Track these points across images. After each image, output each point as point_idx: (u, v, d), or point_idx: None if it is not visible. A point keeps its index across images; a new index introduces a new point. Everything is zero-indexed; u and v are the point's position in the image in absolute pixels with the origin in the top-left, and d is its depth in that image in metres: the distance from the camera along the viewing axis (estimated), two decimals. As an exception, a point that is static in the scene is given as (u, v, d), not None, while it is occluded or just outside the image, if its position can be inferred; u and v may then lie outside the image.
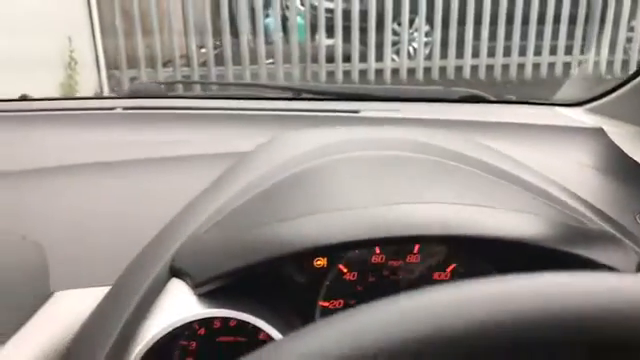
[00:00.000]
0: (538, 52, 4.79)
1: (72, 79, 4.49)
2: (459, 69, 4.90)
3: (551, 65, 4.85)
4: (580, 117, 0.99)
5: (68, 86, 4.39)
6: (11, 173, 0.69)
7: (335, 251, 0.56)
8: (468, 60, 4.86)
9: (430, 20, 4.86)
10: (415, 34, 5.05)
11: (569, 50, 4.82)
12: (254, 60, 4.87)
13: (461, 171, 0.67)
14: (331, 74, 4.89)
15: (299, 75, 4.92)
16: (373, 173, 0.66)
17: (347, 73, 4.88)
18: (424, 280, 0.60)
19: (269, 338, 0.60)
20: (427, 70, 4.93)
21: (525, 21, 4.72)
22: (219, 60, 4.94)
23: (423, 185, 0.63)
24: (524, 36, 4.75)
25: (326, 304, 0.60)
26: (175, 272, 0.54)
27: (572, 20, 4.71)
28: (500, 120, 0.96)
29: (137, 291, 0.52)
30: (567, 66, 4.84)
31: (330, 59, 4.87)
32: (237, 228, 0.56)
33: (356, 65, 4.89)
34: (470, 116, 0.98)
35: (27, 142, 0.83)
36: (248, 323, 0.59)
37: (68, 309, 0.52)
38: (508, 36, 4.78)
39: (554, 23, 4.71)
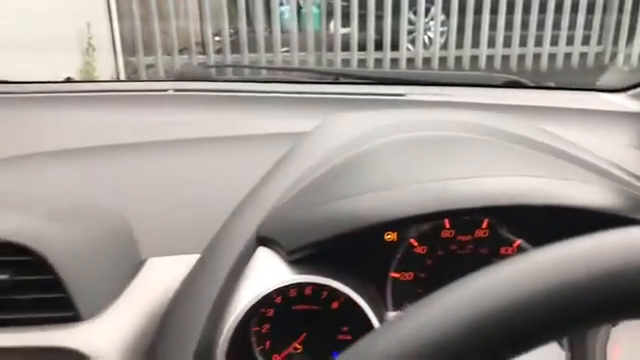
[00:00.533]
0: (554, 42, 4.77)
1: (90, 65, 4.52)
2: (474, 59, 4.90)
3: (567, 55, 4.83)
4: (623, 102, 1.00)
5: (86, 72, 4.42)
6: (87, 149, 0.72)
7: (413, 223, 0.59)
8: (484, 50, 4.85)
9: (446, 9, 4.85)
10: (431, 23, 5.04)
11: (586, 40, 4.79)
12: (269, 48, 4.88)
13: (522, 150, 0.69)
14: (346, 62, 4.89)
15: (314, 63, 4.92)
16: (437, 151, 0.69)
17: (362, 62, 4.89)
18: (491, 255, 0.62)
19: (339, 307, 0.63)
20: (442, 59, 4.92)
21: (542, 10, 4.70)
22: (234, 48, 4.95)
23: (487, 161, 0.66)
24: (540, 26, 4.73)
25: (397, 275, 0.62)
26: (262, 241, 0.56)
27: (590, 9, 4.68)
28: (545, 105, 0.98)
29: (227, 259, 0.54)
30: (584, 56, 4.81)
31: (345, 47, 4.87)
32: (317, 201, 0.58)
33: (371, 54, 4.89)
34: (514, 101, 0.99)
35: (91, 121, 0.85)
36: (322, 291, 0.62)
37: (161, 276, 0.54)
38: (525, 26, 4.75)
39: (571, 12, 4.68)
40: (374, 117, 0.81)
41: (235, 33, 4.99)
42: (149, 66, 4.95)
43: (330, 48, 4.91)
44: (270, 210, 0.59)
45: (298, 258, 0.55)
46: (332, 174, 0.64)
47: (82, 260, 0.53)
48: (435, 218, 0.60)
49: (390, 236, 0.62)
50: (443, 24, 4.95)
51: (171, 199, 0.65)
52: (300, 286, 0.59)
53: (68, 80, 1.19)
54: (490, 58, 4.87)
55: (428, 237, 0.62)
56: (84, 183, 0.67)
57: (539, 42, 4.77)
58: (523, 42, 4.79)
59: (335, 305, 0.63)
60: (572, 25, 4.75)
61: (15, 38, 3.05)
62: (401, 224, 0.59)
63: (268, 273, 0.54)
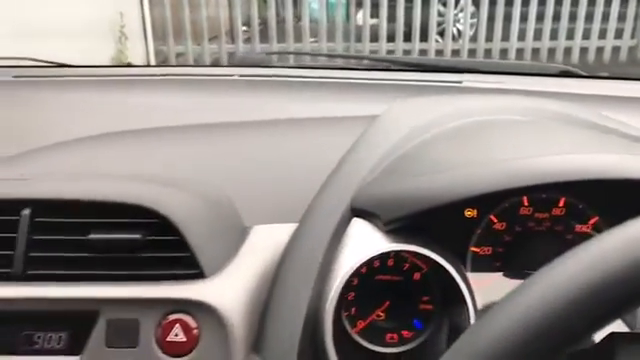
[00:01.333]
0: (586, 36, 4.72)
1: (122, 54, 4.60)
2: (504, 51, 4.87)
3: (599, 49, 4.78)
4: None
5: (118, 60, 4.50)
6: (178, 127, 0.76)
7: (498, 199, 0.62)
8: (514, 42, 4.82)
9: (476, 0, 4.82)
10: (460, 15, 5.02)
11: (619, 34, 4.73)
12: (298, 38, 4.91)
13: (589, 132, 0.72)
14: (374, 53, 4.90)
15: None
16: (510, 132, 0.72)
17: (390, 53, 4.89)
18: (567, 232, 0.65)
19: (421, 278, 0.67)
20: (471, 52, 4.90)
21: (574, 3, 4.65)
22: (263, 37, 4.99)
23: (559, 141, 0.69)
24: (572, 18, 4.68)
25: (477, 250, 0.66)
26: (357, 213, 0.60)
27: (623, 2, 4.62)
28: (600, 93, 1.00)
29: (325, 229, 0.59)
30: (616, 50, 4.75)
31: (374, 38, 4.88)
32: (407, 176, 0.62)
33: (400, 45, 4.89)
34: (570, 89, 1.02)
35: (170, 102, 0.90)
36: (404, 263, 0.66)
37: (266, 241, 0.59)
38: (556, 18, 4.71)
39: (605, 5, 4.62)
40: (443, 101, 0.85)
41: (263, 23, 5.03)
42: (179, 54, 5.02)
43: (358, 39, 4.92)
44: (361, 184, 0.62)
45: (392, 229, 0.59)
46: (415, 152, 0.68)
47: (202, 224, 0.57)
48: (516, 194, 0.63)
49: (470, 213, 0.66)
50: (473, 16, 4.93)
51: (262, 173, 0.69)
52: (384, 257, 0.63)
53: (129, 65, 1.23)
54: (520, 51, 4.84)
55: (507, 214, 0.65)
56: (182, 158, 0.71)
57: (570, 35, 4.73)
58: (554, 35, 4.75)
59: (417, 276, 0.67)
60: (605, 18, 4.69)
61: (50, 26, 3.12)
62: (483, 200, 0.63)
63: (366, 241, 0.58)
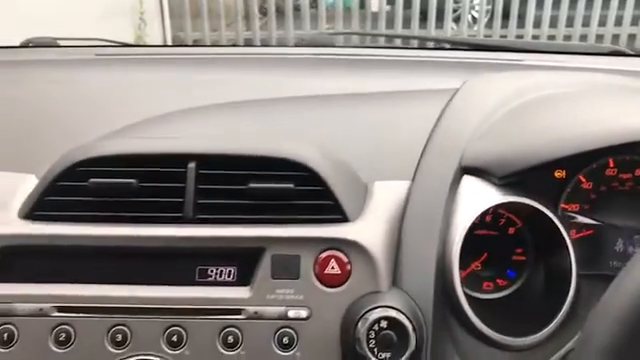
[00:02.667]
0: (602, 23, 4.76)
1: (141, 39, 4.65)
2: (520, 38, 4.91)
3: (615, 37, 4.82)
4: None
5: (138, 45, 4.55)
6: (289, 99, 0.83)
7: (592, 158, 0.69)
8: (529, 30, 4.85)
9: (491, -13, 4.85)
10: (476, 1, 5.05)
11: (635, 21, 4.76)
12: (314, 25, 4.95)
13: None
14: (390, 40, 4.94)
15: (358, 40, 4.98)
16: (589, 100, 0.79)
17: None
18: (648, 191, 0.73)
19: (515, 232, 0.74)
20: (487, 38, 4.94)
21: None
22: (279, 24, 5.04)
23: (631, 106, 0.76)
24: (589, 5, 4.71)
25: (566, 206, 0.73)
26: (468, 171, 0.67)
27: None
28: None
29: (441, 185, 0.66)
30: (632, 38, 4.79)
31: (390, 24, 4.92)
32: (509, 137, 0.69)
33: (415, 32, 4.93)
34: (623, 67, 1.08)
35: (246, 79, 0.95)
36: (500, 219, 0.73)
37: (387, 195, 0.66)
38: (572, 5, 4.74)
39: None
40: (515, 77, 0.91)
41: (279, 9, 5.07)
42: (196, 41, 5.07)
43: (374, 25, 4.96)
44: (467, 145, 0.69)
45: (499, 184, 0.66)
46: (509, 117, 0.75)
47: (341, 177, 0.66)
48: (609, 153, 0.70)
49: (560, 174, 0.73)
50: (488, 2, 4.96)
51: (368, 138, 0.76)
52: (484, 213, 0.70)
53: (195, 44, 1.29)
54: (535, 38, 4.87)
55: (594, 174, 0.73)
56: (300, 126, 0.78)
57: (586, 23, 4.76)
58: (570, 23, 4.78)
59: (511, 231, 0.74)
60: (621, 5, 4.72)
61: (69, 11, 3.16)
62: (575, 160, 0.69)
63: (479, 195, 0.65)
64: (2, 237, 0.62)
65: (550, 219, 0.67)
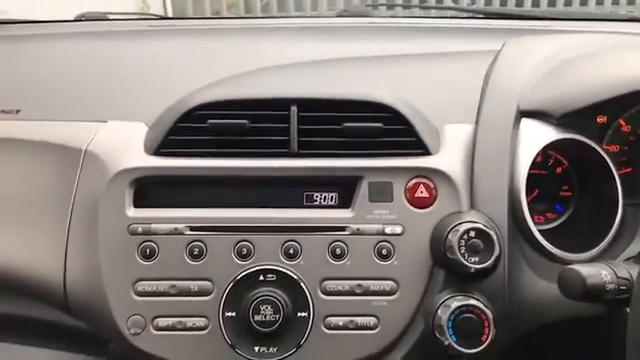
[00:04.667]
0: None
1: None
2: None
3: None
4: None
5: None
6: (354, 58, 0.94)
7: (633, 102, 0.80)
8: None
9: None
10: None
11: None
12: (314, 6, 5.01)
13: None
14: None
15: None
16: (620, 54, 0.89)
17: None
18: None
19: (562, 171, 0.85)
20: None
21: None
22: (281, 7, 5.09)
23: None
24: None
25: (607, 147, 0.84)
26: (526, 114, 0.78)
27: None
28: None
29: (504, 127, 0.77)
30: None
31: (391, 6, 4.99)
32: (561, 83, 0.80)
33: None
34: None
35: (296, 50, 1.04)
36: (549, 159, 0.84)
37: (457, 135, 0.77)
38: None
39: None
40: (553, 38, 1.02)
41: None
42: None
43: (375, 6, 5.02)
44: (523, 92, 0.80)
45: (558, 123, 0.77)
46: (556, 69, 0.85)
47: (420, 117, 0.77)
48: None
49: (601, 119, 0.84)
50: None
51: (429, 89, 0.86)
52: (540, 153, 0.80)
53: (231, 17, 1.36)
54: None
55: (633, 118, 0.84)
56: (369, 80, 0.89)
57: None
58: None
59: (559, 170, 0.85)
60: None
61: None
62: (615, 105, 0.80)
63: (539, 134, 0.76)
64: (136, 169, 0.72)
65: (599, 154, 0.78)
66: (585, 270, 0.58)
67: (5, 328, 0.80)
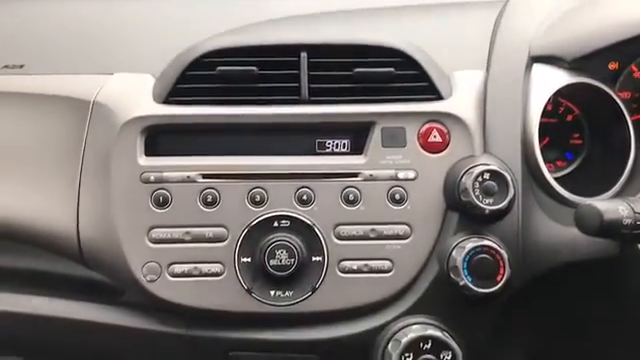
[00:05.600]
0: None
1: None
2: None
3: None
4: None
5: None
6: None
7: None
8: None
9: None
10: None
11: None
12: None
13: None
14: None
15: None
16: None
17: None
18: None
19: (572, 119, 0.84)
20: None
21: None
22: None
23: None
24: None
25: (619, 94, 0.83)
26: (538, 59, 0.77)
27: None
28: None
29: (515, 72, 0.76)
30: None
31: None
32: (572, 28, 0.79)
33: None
34: None
35: None
36: (559, 107, 0.83)
37: (468, 80, 0.76)
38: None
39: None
40: None
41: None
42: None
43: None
44: (534, 39, 0.79)
45: (570, 67, 0.76)
46: (566, 16, 0.84)
47: (431, 63, 0.76)
48: None
49: (613, 65, 0.83)
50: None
51: (437, 37, 0.85)
52: (550, 100, 0.79)
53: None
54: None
55: None
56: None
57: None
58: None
59: (570, 118, 0.85)
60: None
61: None
62: (626, 51, 0.79)
63: (551, 78, 0.75)
64: (147, 117, 0.71)
65: (612, 99, 0.77)
66: (602, 205, 0.58)
67: (21, 281, 0.80)
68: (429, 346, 0.65)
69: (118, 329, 0.75)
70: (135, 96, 0.74)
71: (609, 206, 0.58)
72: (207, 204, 0.70)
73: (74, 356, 0.83)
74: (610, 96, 0.77)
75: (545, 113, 0.80)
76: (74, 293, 0.78)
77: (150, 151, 0.71)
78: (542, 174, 0.74)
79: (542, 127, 0.79)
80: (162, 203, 0.70)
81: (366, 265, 0.70)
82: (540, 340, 0.79)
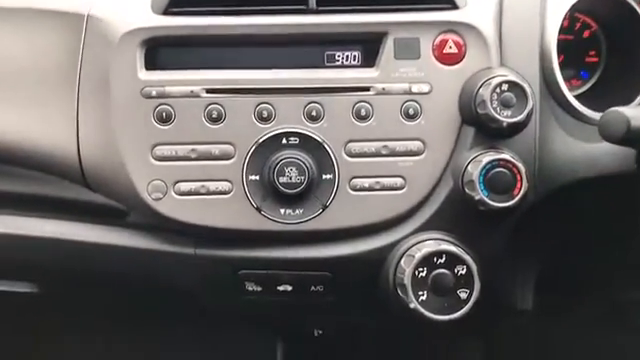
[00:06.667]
0: None
1: None
2: None
3: None
4: None
5: None
6: None
7: None
8: None
9: None
10: None
11: None
12: None
13: None
14: None
15: None
16: None
17: None
18: None
19: (590, 35, 0.80)
20: None
21: None
22: None
23: None
24: None
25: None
26: None
27: None
28: None
29: None
30: None
31: None
32: None
33: None
34: None
35: None
36: (576, 23, 0.79)
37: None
38: None
39: None
40: None
41: None
42: None
43: None
44: None
45: None
46: None
47: None
48: None
49: None
50: None
51: None
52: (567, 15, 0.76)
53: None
54: None
55: None
56: None
57: None
58: None
59: (586, 34, 0.81)
60: None
61: None
62: None
63: None
64: (146, 29, 0.67)
65: (633, 9, 0.74)
66: (630, 112, 0.56)
67: (27, 206, 0.78)
68: (443, 261, 0.64)
69: (125, 250, 0.73)
70: (132, 7, 0.69)
71: (637, 113, 0.56)
72: (212, 120, 0.67)
73: (83, 280, 0.82)
74: (631, 6, 0.74)
75: (561, 30, 0.77)
76: (80, 216, 0.76)
77: (151, 65, 0.68)
78: (560, 89, 0.71)
79: (558, 44, 0.76)
80: (165, 119, 0.67)
81: (378, 182, 0.68)
82: (551, 256, 0.79)
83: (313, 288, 0.71)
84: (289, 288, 0.71)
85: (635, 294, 1.17)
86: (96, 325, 1.18)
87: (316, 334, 0.93)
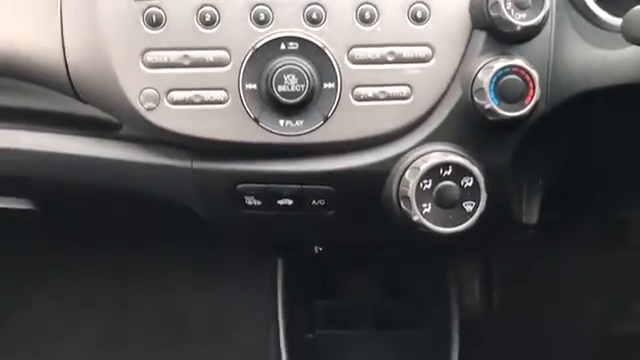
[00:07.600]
0: None
1: None
2: None
3: None
4: None
5: None
6: None
7: None
8: None
9: None
10: None
11: None
12: None
13: None
14: None
15: None
16: None
17: None
18: None
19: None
20: None
21: None
22: None
23: None
24: None
25: None
26: None
27: None
28: None
29: None
30: None
31: None
32: None
33: None
34: None
35: None
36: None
37: None
38: None
39: None
40: None
41: None
42: None
43: None
44: None
45: None
46: None
47: None
48: None
49: None
50: None
51: None
52: None
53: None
54: None
55: None
56: None
57: None
58: None
59: None
60: None
61: None
62: None
63: None
64: None
65: None
66: None
67: (20, 119, 0.74)
68: (449, 172, 0.62)
69: (120, 164, 0.71)
70: None
71: None
72: (205, 24, 0.62)
73: (79, 195, 0.81)
74: None
75: None
76: (73, 129, 0.73)
77: None
78: None
79: None
80: (155, 23, 0.62)
81: (383, 92, 0.64)
82: (559, 170, 0.77)
83: (314, 202, 0.69)
84: (289, 202, 0.69)
85: (635, 212, 1.17)
86: (97, 243, 1.19)
87: (316, 251, 0.93)
